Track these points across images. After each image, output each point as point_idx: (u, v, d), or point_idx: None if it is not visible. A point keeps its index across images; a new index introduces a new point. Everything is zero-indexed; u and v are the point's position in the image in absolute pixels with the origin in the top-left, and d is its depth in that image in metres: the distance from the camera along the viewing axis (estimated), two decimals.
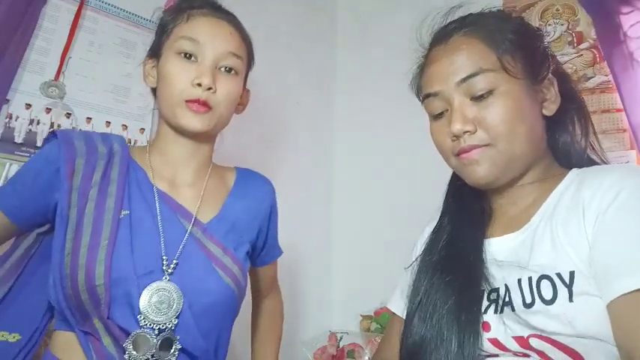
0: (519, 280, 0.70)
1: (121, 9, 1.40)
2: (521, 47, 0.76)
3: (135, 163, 0.90)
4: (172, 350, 0.79)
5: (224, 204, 0.95)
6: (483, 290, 0.75)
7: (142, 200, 0.86)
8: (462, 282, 0.77)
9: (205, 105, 0.86)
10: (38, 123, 1.22)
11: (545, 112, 0.78)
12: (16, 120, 1.19)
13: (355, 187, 1.91)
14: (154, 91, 0.95)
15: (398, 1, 1.93)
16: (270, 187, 1.05)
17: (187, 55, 0.87)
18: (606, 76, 1.44)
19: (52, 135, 0.88)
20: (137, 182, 0.87)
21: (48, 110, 1.24)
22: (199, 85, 0.85)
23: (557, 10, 1.59)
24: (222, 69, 0.89)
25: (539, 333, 0.66)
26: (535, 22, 1.62)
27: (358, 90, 2.01)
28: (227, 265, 0.87)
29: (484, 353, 0.72)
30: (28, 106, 1.22)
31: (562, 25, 1.58)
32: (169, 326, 0.79)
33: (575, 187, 0.73)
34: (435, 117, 0.81)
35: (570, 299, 0.64)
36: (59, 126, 1.25)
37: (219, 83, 0.88)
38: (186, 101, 0.86)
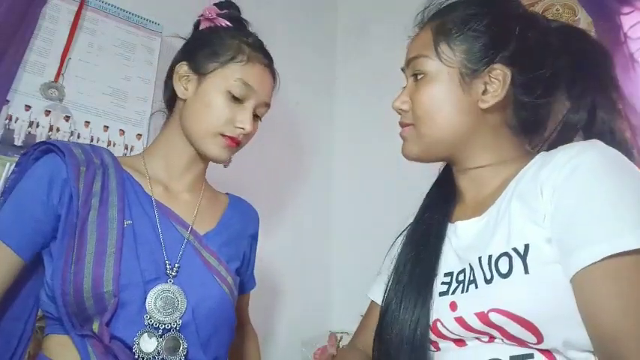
0: (480, 259, 0.72)
1: (121, 9, 1.39)
2: (463, 38, 0.78)
3: (128, 175, 0.91)
4: (180, 349, 0.81)
5: (220, 221, 0.99)
6: (436, 271, 0.79)
7: (141, 210, 0.88)
8: (420, 261, 0.82)
9: (238, 143, 0.94)
10: (37, 125, 1.22)
11: (480, 104, 0.77)
12: (15, 122, 1.19)
13: (355, 187, 1.90)
14: (173, 99, 0.97)
15: (397, 3, 1.93)
16: (256, 215, 1.11)
17: (237, 98, 0.92)
18: None
19: (42, 145, 0.87)
20: (135, 193, 0.89)
21: (47, 112, 1.24)
22: (241, 128, 0.92)
23: (557, 10, 1.59)
24: (255, 114, 0.96)
25: (497, 307, 0.66)
26: None
27: (358, 90, 2.00)
28: (222, 273, 0.91)
29: (453, 336, 0.73)
30: (28, 107, 1.21)
31: None
32: (174, 326, 0.81)
33: (536, 167, 0.74)
34: None
35: (526, 271, 0.66)
36: (58, 129, 1.25)
37: None
38: (222, 135, 0.91)
